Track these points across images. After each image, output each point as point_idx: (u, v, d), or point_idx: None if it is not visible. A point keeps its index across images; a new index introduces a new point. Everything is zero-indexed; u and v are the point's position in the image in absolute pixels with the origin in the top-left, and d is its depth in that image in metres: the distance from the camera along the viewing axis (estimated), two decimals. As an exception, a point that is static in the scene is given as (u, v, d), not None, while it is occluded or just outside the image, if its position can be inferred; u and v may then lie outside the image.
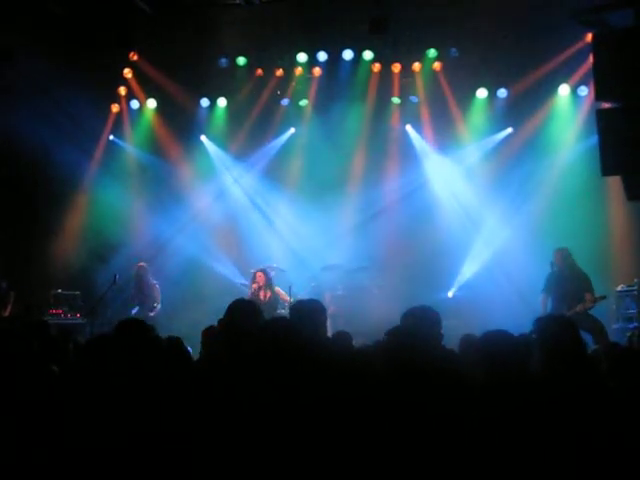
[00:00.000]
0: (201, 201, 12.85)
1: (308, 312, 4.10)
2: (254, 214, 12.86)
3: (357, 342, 5.84)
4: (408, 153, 12.39)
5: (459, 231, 11.66)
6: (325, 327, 4.23)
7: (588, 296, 8.77)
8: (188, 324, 9.11)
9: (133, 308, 10.58)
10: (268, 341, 3.21)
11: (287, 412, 2.89)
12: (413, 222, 11.83)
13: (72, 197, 12.49)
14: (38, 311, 10.56)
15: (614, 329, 9.51)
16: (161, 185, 12.72)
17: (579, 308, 8.65)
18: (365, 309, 10.56)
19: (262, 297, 9.81)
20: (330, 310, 10.36)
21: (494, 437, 2.83)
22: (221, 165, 13.07)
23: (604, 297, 8.81)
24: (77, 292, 11.32)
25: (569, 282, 8.84)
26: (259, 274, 9.96)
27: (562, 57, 11.16)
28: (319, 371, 3.18)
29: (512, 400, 3.03)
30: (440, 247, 11.40)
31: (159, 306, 10.59)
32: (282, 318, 3.70)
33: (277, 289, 10.14)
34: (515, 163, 11.54)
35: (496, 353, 3.40)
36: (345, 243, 12.05)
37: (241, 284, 11.19)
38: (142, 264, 10.80)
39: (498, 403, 3.03)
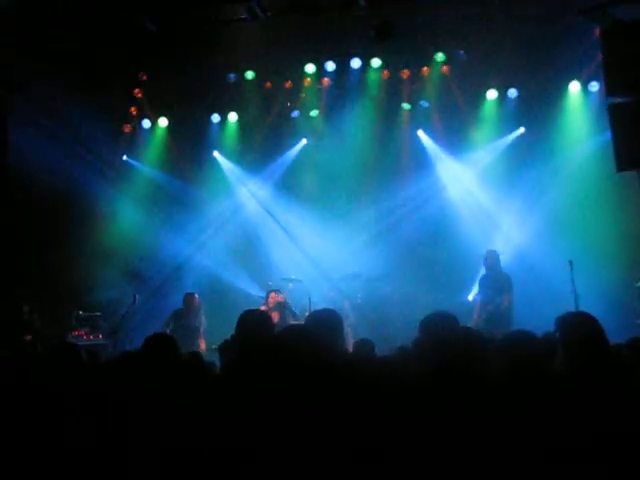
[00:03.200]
0: (218, 217, 12.95)
1: (324, 321, 4.04)
2: (271, 227, 12.93)
3: (379, 350, 5.84)
4: (421, 159, 12.39)
5: (477, 234, 11.62)
6: (342, 336, 4.17)
7: (506, 298, 9.23)
8: (211, 339, 9.15)
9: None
10: (282, 351, 3.16)
11: (303, 425, 2.84)
12: (431, 227, 11.81)
13: (90, 219, 12.61)
14: (63, 334, 10.61)
15: (638, 324, 9.40)
16: (176, 203, 12.83)
17: (492, 307, 9.09)
18: (386, 317, 10.66)
19: (274, 317, 9.86)
20: (350, 319, 10.56)
21: (521, 439, 2.82)
22: (235, 180, 13.15)
23: None
24: (98, 313, 11.41)
25: (492, 283, 9.38)
26: (272, 294, 9.99)
27: (571, 53, 11.08)
28: (337, 381, 3.13)
29: (536, 400, 3.02)
30: (459, 251, 11.38)
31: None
32: (296, 326, 3.62)
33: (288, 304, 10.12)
34: (529, 162, 11.51)
35: (517, 354, 3.39)
36: (363, 252, 12.05)
37: (258, 296, 11.23)
38: (194, 294, 10.40)
39: (522, 404, 3.01)
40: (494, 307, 9.14)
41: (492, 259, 9.61)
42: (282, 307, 9.99)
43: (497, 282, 9.42)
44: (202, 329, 10.15)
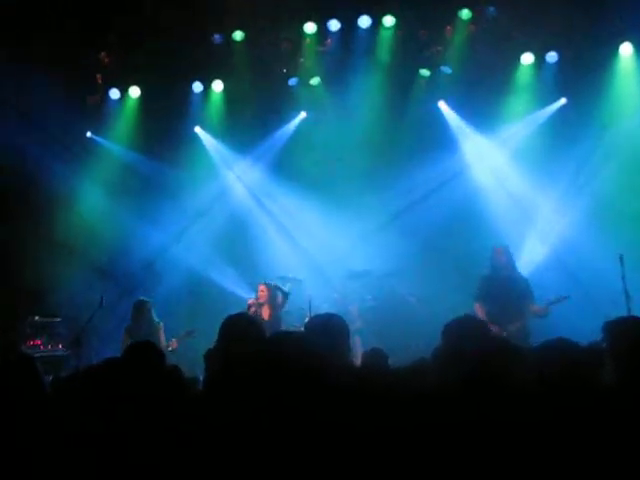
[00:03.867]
0: (201, 205, 13.05)
1: (325, 328, 4.09)
2: (262, 216, 13.02)
3: (394, 362, 5.91)
4: (442, 135, 12.39)
5: (508, 224, 11.63)
6: (348, 346, 4.22)
7: (533, 308, 8.89)
8: (193, 347, 9.23)
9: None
10: (274, 365, 3.18)
11: (299, 455, 2.86)
12: (452, 216, 11.84)
13: (47, 208, 12.58)
14: (15, 343, 10.60)
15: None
16: (151, 188, 12.87)
17: (520, 324, 8.76)
18: (400, 322, 10.74)
19: (264, 315, 9.89)
20: (357, 325, 10.62)
21: (569, 462, 2.89)
22: (221, 161, 13.19)
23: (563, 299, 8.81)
24: (57, 319, 11.37)
25: (508, 288, 9.00)
26: (261, 288, 10.08)
27: (622, 9, 10.98)
28: (342, 400, 3.15)
29: (581, 420, 3.06)
30: (486, 244, 11.18)
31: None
32: (293, 334, 3.64)
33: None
34: (572, 139, 11.50)
35: (558, 366, 3.45)
36: (372, 245, 12.11)
37: (248, 299, 11.19)
38: (145, 300, 10.55)
39: (564, 424, 3.06)
40: (520, 327, 8.79)
41: (503, 256, 9.23)
42: (276, 301, 10.10)
43: (512, 288, 9.07)
44: (161, 333, 10.26)
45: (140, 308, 10.27)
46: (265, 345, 3.43)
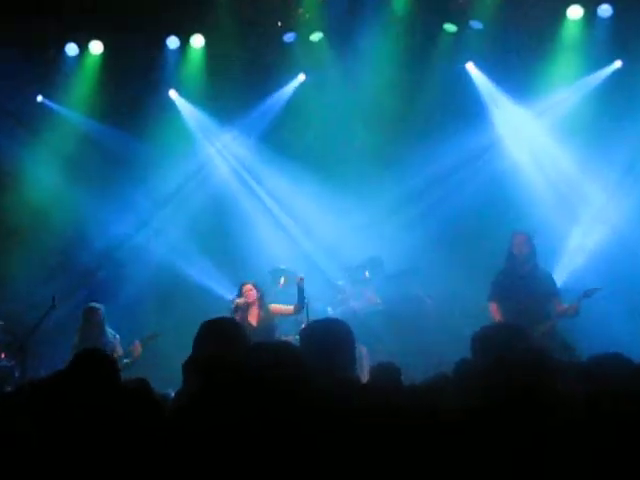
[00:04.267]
0: (174, 184, 13.02)
1: (325, 338, 4.11)
2: (250, 200, 13.03)
3: (409, 378, 5.92)
4: (470, 104, 12.39)
5: (547, 213, 11.64)
6: (353, 359, 4.22)
7: (560, 307, 8.89)
8: (164, 356, 9.31)
9: None
10: (261, 383, 3.22)
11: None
12: (480, 202, 11.88)
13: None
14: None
15: None
16: (116, 165, 12.84)
17: (547, 327, 8.74)
18: (416, 330, 10.69)
19: (253, 319, 9.92)
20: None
21: None
22: (200, 132, 13.17)
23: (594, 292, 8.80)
24: (-1, 322, 11.34)
25: (531, 285, 9.01)
26: (248, 287, 10.02)
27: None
28: (345, 426, 3.16)
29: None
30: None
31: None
32: (285, 345, 3.63)
33: (273, 306, 10.19)
34: (628, 110, 11.50)
35: (610, 386, 3.49)
36: (382, 237, 12.13)
37: (232, 301, 11.20)
38: (95, 308, 10.48)
39: (621, 456, 3.09)
40: (550, 326, 8.80)
41: (524, 246, 9.23)
42: (265, 302, 10.09)
43: (534, 284, 9.08)
44: (117, 345, 10.28)
45: (89, 317, 10.25)
46: (253, 360, 3.44)
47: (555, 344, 8.39)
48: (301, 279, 9.83)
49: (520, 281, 9.09)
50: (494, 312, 9.07)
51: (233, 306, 9.90)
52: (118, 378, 4.40)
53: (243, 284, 10.10)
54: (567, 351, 8.24)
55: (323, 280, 11.91)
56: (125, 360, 9.86)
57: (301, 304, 9.87)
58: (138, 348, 10.06)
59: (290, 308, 10.04)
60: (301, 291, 9.83)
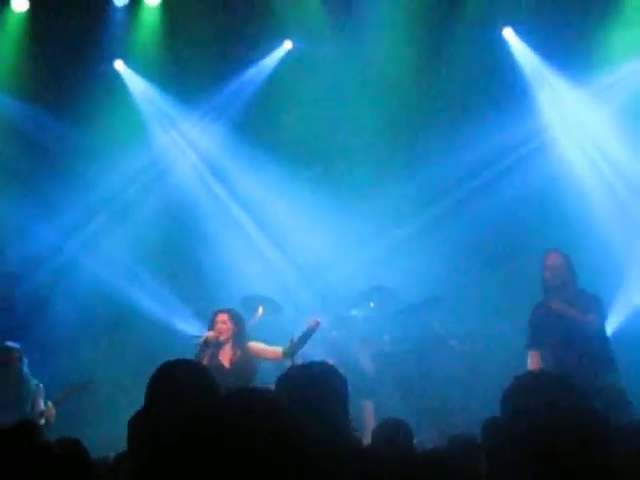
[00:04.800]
0: (116, 184, 12.98)
1: (308, 386, 4.17)
2: (218, 206, 13.06)
3: (423, 440, 5.88)
4: (506, 81, 12.41)
5: (606, 228, 11.58)
6: (344, 414, 4.25)
7: None
8: (104, 409, 9.45)
9: None
10: (229, 446, 3.10)
11: None
12: (518, 211, 11.98)
13: None
14: None
15: None
16: (42, 156, 12.83)
17: (608, 379, 8.74)
18: (434, 378, 10.71)
19: (225, 360, 9.77)
20: (370, 382, 10.61)
21: None
22: (153, 116, 13.23)
23: None
24: None
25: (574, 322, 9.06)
26: (223, 318, 9.86)
27: None
28: None
29: None
30: (578, 255, 11.21)
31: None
32: (257, 392, 3.52)
33: (254, 345, 9.96)
34: None
35: None
36: (397, 256, 12.16)
37: (195, 337, 11.12)
38: (12, 349, 10.28)
39: None
40: (611, 382, 8.66)
41: (561, 268, 9.24)
42: (244, 337, 9.85)
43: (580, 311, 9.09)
44: (38, 398, 10.14)
45: (2, 362, 10.12)
46: (210, 414, 3.34)
47: (614, 399, 8.12)
48: (316, 323, 9.67)
49: (560, 319, 9.12)
50: (533, 363, 9.10)
51: (201, 342, 9.72)
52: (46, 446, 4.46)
53: (216, 313, 9.90)
54: (626, 407, 8.07)
55: (317, 308, 11.83)
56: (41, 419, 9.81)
57: (295, 350, 9.69)
58: (51, 411, 9.96)
59: (277, 351, 9.78)
60: (306, 337, 9.69)
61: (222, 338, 9.68)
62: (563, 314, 8.98)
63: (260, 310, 11.20)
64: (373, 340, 11.38)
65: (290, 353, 9.56)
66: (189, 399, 4.12)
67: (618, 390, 8.35)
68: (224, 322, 9.71)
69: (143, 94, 13.18)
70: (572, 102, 12.39)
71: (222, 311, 9.87)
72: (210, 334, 9.66)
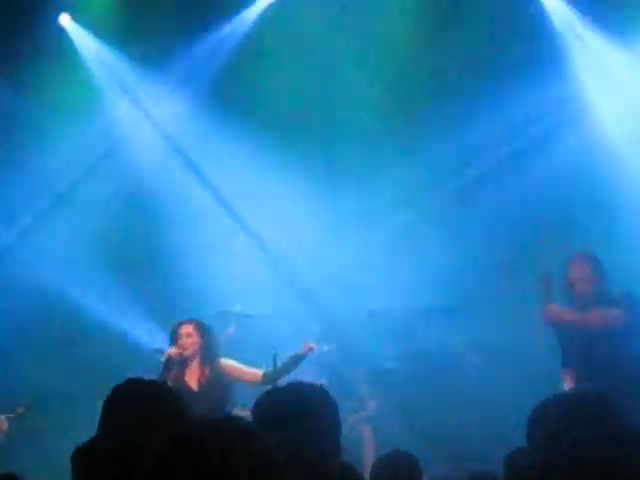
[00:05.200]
0: (62, 164, 13.01)
1: (291, 413, 4.20)
2: (185, 193, 13.12)
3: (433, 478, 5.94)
4: (534, 39, 12.44)
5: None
6: (336, 445, 4.28)
7: None
8: (47, 438, 9.50)
9: None
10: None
11: None
12: (547, 199, 12.02)
13: None
14: None
15: None
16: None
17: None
18: (449, 402, 10.78)
19: (192, 381, 9.89)
20: (369, 408, 10.81)
21: None
22: (109, 82, 13.21)
23: None
24: None
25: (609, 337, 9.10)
26: (186, 328, 9.91)
27: None
28: None
29: None
30: (616, 251, 11.07)
31: None
32: (228, 421, 3.51)
33: (228, 363, 10.04)
34: None
35: None
36: (401, 253, 12.25)
37: (155, 350, 11.13)
38: None
39: None
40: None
41: (591, 280, 9.27)
42: (215, 353, 9.94)
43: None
44: None
45: None
46: (173, 446, 3.26)
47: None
48: (310, 349, 9.79)
49: (580, 332, 9.25)
50: (567, 382, 9.21)
51: (163, 360, 9.82)
52: None
53: (179, 324, 9.99)
54: None
55: (304, 317, 12.15)
56: None
57: (278, 377, 9.73)
58: (3, 423, 10.03)
59: (257, 373, 9.91)
60: (294, 363, 9.79)
61: (187, 353, 9.76)
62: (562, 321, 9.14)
63: (230, 330, 11.29)
64: (372, 356, 11.45)
65: (271, 379, 9.59)
66: (148, 427, 4.17)
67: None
68: (189, 335, 9.81)
69: (94, 55, 13.20)
70: (613, 64, 12.38)
71: (185, 322, 9.97)
72: (172, 350, 9.74)
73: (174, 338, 9.89)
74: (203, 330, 9.91)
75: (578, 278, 9.20)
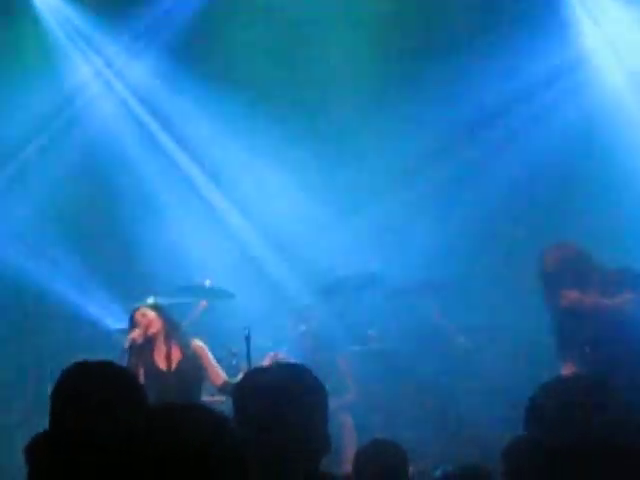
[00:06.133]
0: (17, 131, 12.78)
1: (273, 398, 4.13)
2: (152, 161, 12.94)
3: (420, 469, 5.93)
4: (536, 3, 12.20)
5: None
6: (323, 434, 4.17)
7: None
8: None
9: None
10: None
11: None
12: (548, 170, 11.99)
13: None
14: None
15: None
16: None
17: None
18: (434, 386, 10.91)
19: (161, 361, 9.90)
20: (349, 394, 10.68)
21: None
22: (70, 39, 12.99)
23: None
24: None
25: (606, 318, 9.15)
26: (142, 310, 9.97)
27: None
28: None
29: None
30: (628, 229, 11.22)
31: None
32: (196, 409, 3.29)
33: (201, 347, 10.08)
34: None
35: None
36: (381, 232, 12.19)
37: (118, 330, 11.28)
38: None
39: None
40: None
41: (574, 262, 9.27)
42: (179, 335, 9.97)
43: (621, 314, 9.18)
44: None
45: None
46: (133, 435, 3.25)
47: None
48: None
49: (584, 314, 9.26)
50: (568, 371, 9.21)
51: (127, 346, 9.77)
52: None
53: (135, 310, 10.10)
54: None
55: (277, 299, 12.29)
56: None
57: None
58: None
59: (220, 375, 9.97)
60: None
61: (151, 332, 9.76)
62: (582, 306, 9.11)
63: (202, 304, 11.19)
64: (352, 337, 11.41)
65: (229, 391, 9.60)
66: (105, 414, 4.12)
67: None
68: (145, 315, 9.89)
69: (52, 10, 12.97)
70: (623, 27, 12.23)
71: (141, 306, 10.08)
72: (134, 334, 9.75)
73: (131, 324, 9.90)
74: (160, 310, 10.05)
75: (564, 257, 9.28)
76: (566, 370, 9.10)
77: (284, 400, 4.12)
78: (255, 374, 4.62)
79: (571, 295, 9.02)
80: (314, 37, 12.55)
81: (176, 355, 9.84)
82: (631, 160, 11.79)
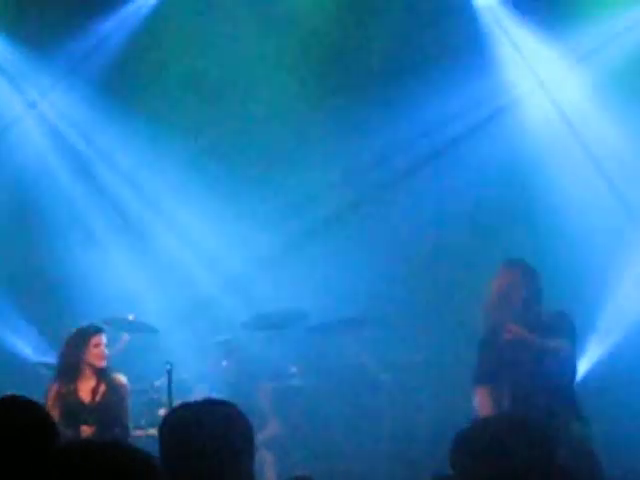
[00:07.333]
0: None
1: (196, 436, 4.16)
2: (79, 192, 12.93)
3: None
4: (464, 38, 12.52)
5: (594, 216, 11.67)
6: (249, 473, 4.23)
7: None
8: None
9: None
10: None
11: None
12: (477, 196, 12.11)
13: None
14: None
15: None
16: None
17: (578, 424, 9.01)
18: (357, 424, 10.81)
19: (86, 392, 9.78)
20: (271, 427, 10.71)
21: None
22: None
23: None
24: None
25: (532, 353, 9.18)
26: (101, 340, 9.81)
27: None
28: None
29: None
30: (546, 258, 11.12)
31: None
32: (118, 451, 3.30)
33: (122, 380, 10.03)
34: None
35: None
36: (304, 257, 12.23)
37: (42, 364, 11.22)
38: None
39: None
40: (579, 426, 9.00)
41: (517, 288, 9.26)
42: (107, 368, 9.89)
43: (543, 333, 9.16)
44: None
45: None
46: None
47: (581, 448, 8.67)
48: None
49: (513, 350, 9.21)
50: (482, 401, 9.21)
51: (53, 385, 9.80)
52: None
53: (97, 331, 9.89)
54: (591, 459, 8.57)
55: (204, 327, 12.21)
56: None
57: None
58: None
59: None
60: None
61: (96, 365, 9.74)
62: (522, 340, 9.05)
63: (124, 337, 11.21)
64: (275, 372, 11.44)
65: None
66: (17, 454, 3.94)
67: (586, 438, 8.92)
68: (100, 344, 9.75)
69: None
70: (544, 65, 12.54)
71: (100, 330, 9.90)
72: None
73: (85, 346, 9.76)
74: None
75: (504, 283, 9.28)
76: (481, 397, 9.15)
77: (209, 439, 4.16)
78: (179, 409, 4.63)
79: (515, 329, 8.91)
80: (241, 74, 12.69)
81: (101, 387, 9.73)
82: (551, 192, 11.98)
